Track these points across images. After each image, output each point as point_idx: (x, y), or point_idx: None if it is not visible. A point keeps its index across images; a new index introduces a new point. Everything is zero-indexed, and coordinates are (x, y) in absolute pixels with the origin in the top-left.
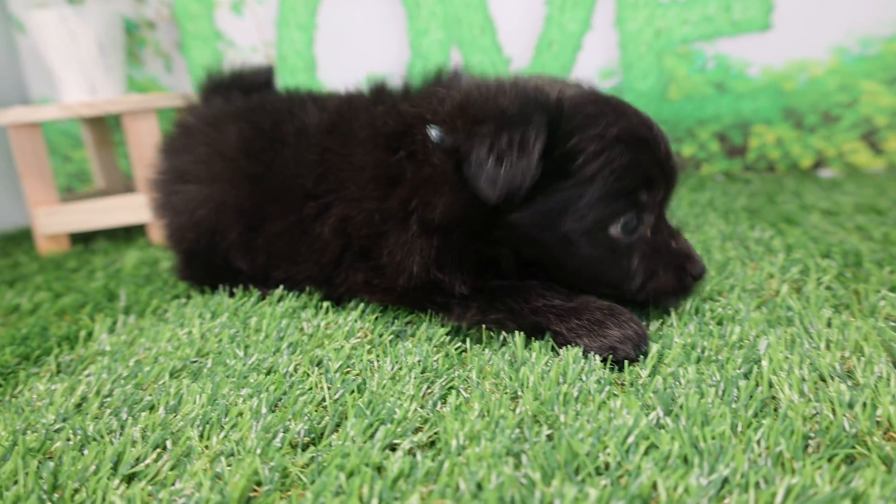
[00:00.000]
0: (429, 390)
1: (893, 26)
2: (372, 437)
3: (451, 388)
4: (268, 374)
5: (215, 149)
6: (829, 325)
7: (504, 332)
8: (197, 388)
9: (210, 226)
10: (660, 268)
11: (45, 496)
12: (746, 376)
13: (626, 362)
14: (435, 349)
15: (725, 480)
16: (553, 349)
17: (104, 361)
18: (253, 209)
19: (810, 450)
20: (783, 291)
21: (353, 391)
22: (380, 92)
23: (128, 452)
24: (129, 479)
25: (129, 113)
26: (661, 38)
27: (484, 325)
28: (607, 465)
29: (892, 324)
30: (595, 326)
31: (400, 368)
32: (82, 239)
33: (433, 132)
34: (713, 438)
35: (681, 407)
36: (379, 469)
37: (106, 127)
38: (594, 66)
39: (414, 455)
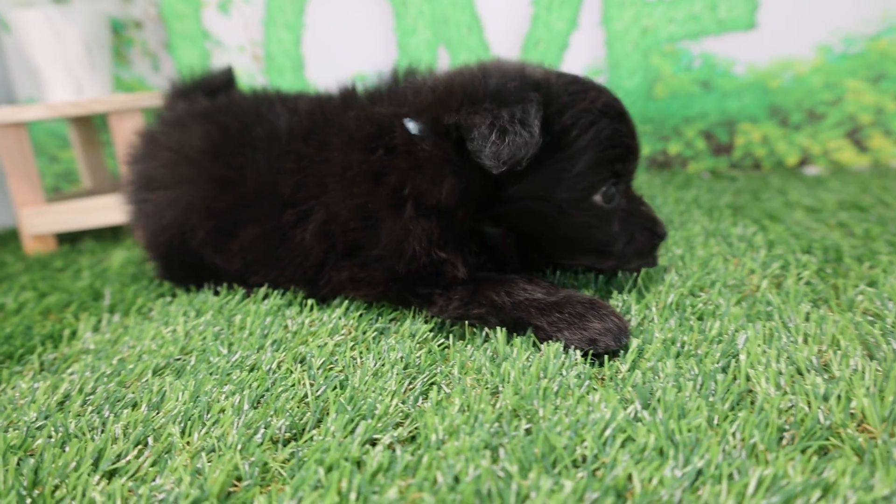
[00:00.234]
0: (410, 386)
1: (877, 25)
2: (352, 432)
3: (432, 383)
4: (251, 371)
5: (179, 152)
6: (807, 319)
7: (486, 329)
8: (180, 386)
9: (179, 227)
10: (636, 230)
11: (24, 492)
12: (724, 370)
13: (606, 356)
14: (418, 345)
15: (699, 472)
16: (535, 345)
17: (88, 360)
18: (223, 212)
19: (784, 442)
20: (763, 287)
21: (335, 387)
22: (349, 97)
23: (109, 449)
24: (110, 475)
25: (116, 112)
26: (647, 37)
27: (466, 321)
28: (584, 458)
29: (870, 318)
30: (576, 319)
31: (382, 365)
32: (69, 239)
33: (411, 125)
34: (689, 431)
35: (658, 400)
36: (358, 463)
37: (93, 127)
38: (581, 64)
39: (393, 449)
